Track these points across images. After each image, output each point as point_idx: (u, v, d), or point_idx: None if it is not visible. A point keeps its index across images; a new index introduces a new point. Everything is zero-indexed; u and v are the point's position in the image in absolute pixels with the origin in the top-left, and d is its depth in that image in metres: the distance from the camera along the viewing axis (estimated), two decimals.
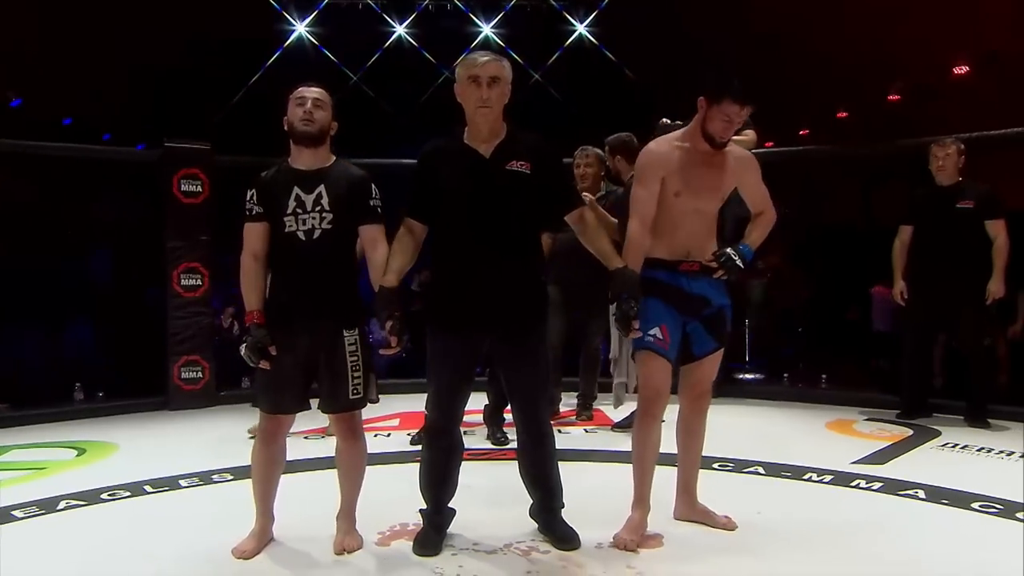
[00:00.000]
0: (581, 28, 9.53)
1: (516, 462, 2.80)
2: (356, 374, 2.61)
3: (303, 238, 2.57)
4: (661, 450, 2.85)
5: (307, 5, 9.31)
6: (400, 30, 9.52)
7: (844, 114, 9.62)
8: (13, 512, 3.08)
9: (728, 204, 2.88)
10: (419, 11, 9.41)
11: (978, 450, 3.98)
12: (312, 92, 2.64)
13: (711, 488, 2.99)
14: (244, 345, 2.58)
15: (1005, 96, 6.74)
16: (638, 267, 2.64)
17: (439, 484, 2.72)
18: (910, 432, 4.38)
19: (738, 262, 2.68)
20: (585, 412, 4.82)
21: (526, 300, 2.60)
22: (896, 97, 9.17)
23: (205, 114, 8.46)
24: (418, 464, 2.77)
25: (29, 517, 3.04)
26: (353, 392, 2.61)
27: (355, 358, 2.60)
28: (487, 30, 9.34)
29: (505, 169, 2.54)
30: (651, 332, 2.67)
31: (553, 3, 9.35)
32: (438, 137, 2.68)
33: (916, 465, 3.67)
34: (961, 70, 8.54)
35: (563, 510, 2.75)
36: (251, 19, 9.12)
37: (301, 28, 9.42)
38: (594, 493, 3.08)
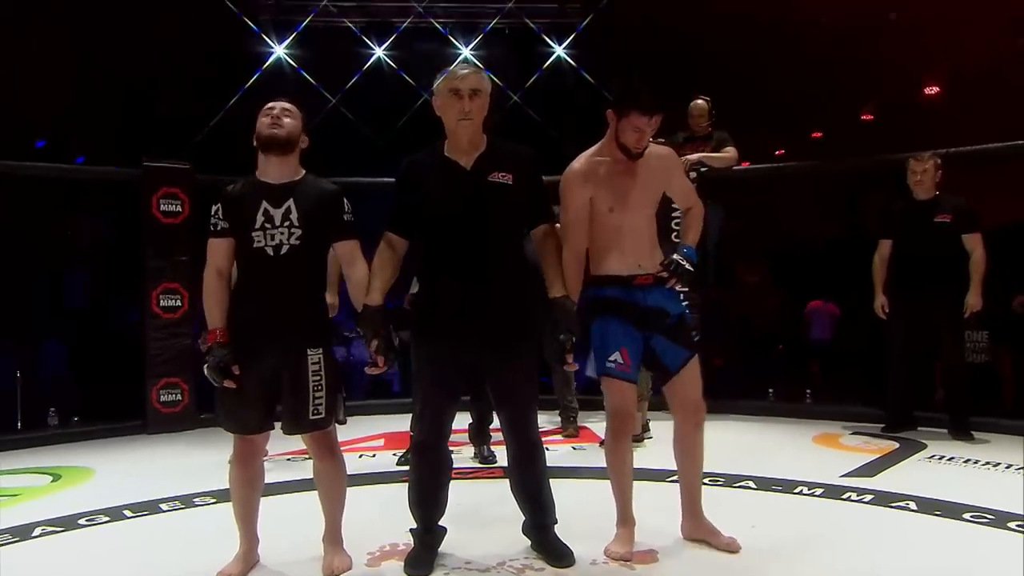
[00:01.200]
0: (559, 50, 9.60)
1: (506, 479, 2.76)
2: (318, 394, 2.51)
3: (271, 254, 2.49)
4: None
5: (286, 27, 9.31)
6: (379, 52, 9.54)
7: (819, 134, 9.76)
8: None
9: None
10: (398, 33, 9.44)
11: (964, 462, 4.00)
12: (280, 103, 2.60)
13: (704, 503, 2.95)
14: (207, 365, 2.48)
15: (976, 115, 6.87)
16: (576, 294, 2.64)
17: (429, 502, 2.66)
18: (896, 445, 4.39)
19: (687, 266, 2.68)
20: (571, 426, 4.79)
21: (514, 312, 2.56)
22: (869, 117, 9.33)
23: (183, 135, 8.37)
24: (406, 483, 2.72)
25: (3, 545, 2.94)
26: (314, 412, 2.52)
27: (318, 378, 2.51)
28: (466, 52, 9.37)
29: (487, 180, 2.52)
30: (612, 358, 2.67)
31: (531, 25, 9.41)
32: (419, 151, 2.65)
33: (905, 477, 3.68)
34: (932, 90, 8.72)
35: (556, 527, 2.71)
36: (229, 40, 9.09)
37: (280, 51, 9.40)
38: (586, 510, 3.02)
